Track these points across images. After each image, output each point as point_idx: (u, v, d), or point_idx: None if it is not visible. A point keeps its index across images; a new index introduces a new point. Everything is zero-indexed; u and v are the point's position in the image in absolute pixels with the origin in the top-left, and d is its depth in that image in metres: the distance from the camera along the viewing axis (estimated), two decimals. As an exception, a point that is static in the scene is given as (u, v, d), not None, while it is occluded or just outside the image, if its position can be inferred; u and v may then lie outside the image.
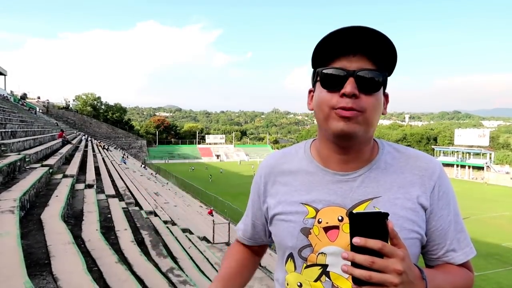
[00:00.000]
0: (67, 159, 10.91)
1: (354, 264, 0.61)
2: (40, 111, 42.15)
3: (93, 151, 19.89)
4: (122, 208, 6.68)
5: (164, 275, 3.90)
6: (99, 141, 40.93)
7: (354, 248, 0.61)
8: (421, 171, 0.86)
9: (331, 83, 0.80)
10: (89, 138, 34.01)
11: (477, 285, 13.74)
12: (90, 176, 8.91)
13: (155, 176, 33.41)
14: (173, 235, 7.00)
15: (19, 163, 5.96)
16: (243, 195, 30.06)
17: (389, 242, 0.62)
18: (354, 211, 0.62)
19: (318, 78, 0.83)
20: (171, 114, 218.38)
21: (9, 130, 9.66)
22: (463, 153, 59.84)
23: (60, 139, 14.90)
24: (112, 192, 8.24)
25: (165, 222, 8.45)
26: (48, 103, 55.92)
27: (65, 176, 7.33)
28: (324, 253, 0.84)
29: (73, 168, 8.74)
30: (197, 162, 71.32)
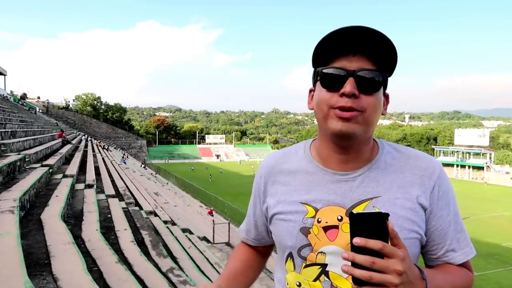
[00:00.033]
0: (67, 159, 10.91)
1: (354, 264, 0.61)
2: (40, 111, 42.15)
3: (93, 151, 19.89)
4: (122, 208, 6.68)
5: (164, 275, 3.90)
6: (99, 141, 40.92)
7: (354, 248, 0.61)
8: (421, 171, 0.86)
9: (331, 83, 0.80)
10: (89, 138, 34.01)
11: (477, 285, 13.74)
12: (90, 176, 8.91)
13: (155, 176, 33.41)
14: (173, 235, 7.00)
15: (19, 163, 5.95)
16: (243, 195, 30.09)
17: (389, 242, 0.62)
18: (354, 212, 0.62)
19: (318, 78, 0.83)
20: (171, 114, 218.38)
21: (9, 130, 9.66)
22: (463, 153, 59.84)
23: (60, 139, 14.90)
24: (112, 192, 8.24)
25: (165, 222, 8.45)
26: (48, 103, 55.92)
27: (65, 176, 7.33)
28: (324, 253, 0.84)
29: (73, 168, 8.74)
30: (197, 162, 71.32)
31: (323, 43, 0.80)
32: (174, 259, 5.13)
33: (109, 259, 3.45)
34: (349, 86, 0.77)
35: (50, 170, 7.06)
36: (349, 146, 0.84)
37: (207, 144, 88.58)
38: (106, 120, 75.46)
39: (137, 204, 8.78)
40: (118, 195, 8.42)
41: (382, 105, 0.84)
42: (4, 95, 31.77)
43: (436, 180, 0.86)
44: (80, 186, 7.26)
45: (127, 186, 11.06)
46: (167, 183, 32.83)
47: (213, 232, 13.27)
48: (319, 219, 0.85)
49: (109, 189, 8.50)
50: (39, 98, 55.37)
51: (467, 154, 59.41)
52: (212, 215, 21.53)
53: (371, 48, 0.78)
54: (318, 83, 0.84)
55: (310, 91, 0.90)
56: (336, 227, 0.84)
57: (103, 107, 79.55)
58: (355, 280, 0.62)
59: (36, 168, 6.61)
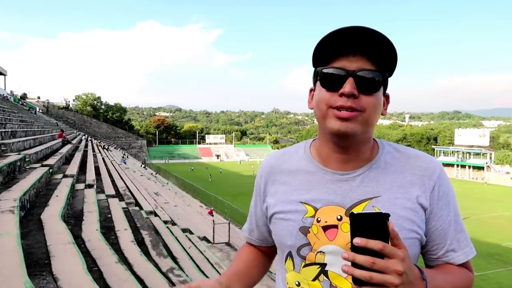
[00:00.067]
0: (67, 159, 10.91)
1: (355, 265, 0.61)
2: (40, 111, 42.16)
3: (93, 151, 19.90)
4: (122, 208, 6.68)
5: (164, 275, 3.90)
6: (99, 141, 40.93)
7: (355, 249, 0.61)
8: (421, 171, 0.86)
9: (331, 83, 0.80)
10: (89, 138, 34.01)
11: (477, 285, 13.74)
12: (90, 176, 8.91)
13: (155, 176, 33.42)
14: (173, 235, 7.00)
15: (19, 163, 5.96)
16: (243, 195, 30.09)
17: (389, 242, 0.62)
18: (355, 212, 0.62)
19: (318, 78, 0.83)
20: (171, 114, 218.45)
21: (9, 130, 9.67)
22: (463, 153, 59.82)
23: (60, 139, 14.90)
24: (112, 192, 8.24)
25: (165, 222, 8.45)
26: (48, 103, 55.93)
27: (65, 176, 7.33)
28: (323, 252, 0.84)
29: (73, 168, 8.74)
30: (197, 162, 71.32)
31: (323, 43, 0.80)
32: (174, 259, 5.13)
33: (109, 259, 3.45)
34: (348, 86, 0.77)
35: (50, 170, 7.07)
36: (349, 146, 0.84)
37: (207, 144, 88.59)
38: (106, 120, 75.47)
39: (137, 204, 8.78)
40: (118, 195, 8.42)
41: (382, 105, 0.84)
42: (4, 95, 31.78)
43: (436, 180, 0.86)
44: (80, 186, 7.26)
45: (127, 186, 11.07)
46: (167, 183, 32.84)
47: (213, 232, 13.28)
48: (319, 219, 0.85)
49: (109, 189, 8.50)
50: (39, 98, 55.38)
51: (467, 154, 59.39)
52: (212, 215, 21.53)
53: (371, 49, 0.78)
54: (318, 83, 0.84)
55: (311, 90, 0.90)
56: (336, 226, 0.84)
57: (103, 107, 79.57)
58: (355, 280, 0.62)
59: (36, 168, 6.61)
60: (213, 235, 13.08)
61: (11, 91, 43.41)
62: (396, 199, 0.83)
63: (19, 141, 8.48)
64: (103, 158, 17.54)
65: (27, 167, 6.53)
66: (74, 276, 2.63)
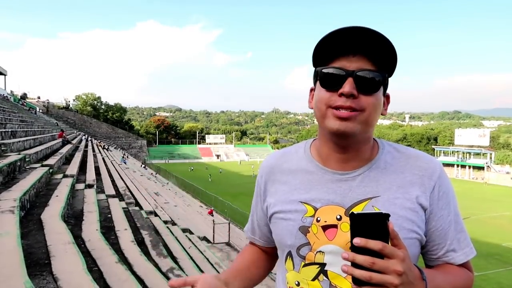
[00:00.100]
0: (67, 159, 10.91)
1: (354, 265, 0.61)
2: (40, 111, 42.16)
3: (93, 151, 19.90)
4: (122, 208, 6.68)
5: (164, 275, 3.90)
6: (99, 141, 40.93)
7: (354, 249, 0.61)
8: (421, 171, 0.86)
9: (330, 83, 0.80)
10: (89, 138, 34.01)
11: (478, 285, 13.73)
12: (90, 176, 8.91)
13: (155, 176, 33.41)
14: (173, 235, 7.00)
15: (19, 163, 5.96)
16: (243, 195, 30.10)
17: (389, 243, 0.62)
18: (355, 212, 0.62)
19: (318, 77, 0.83)
20: (171, 114, 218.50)
21: (9, 130, 9.67)
22: (463, 153, 59.81)
23: (60, 139, 14.90)
24: (112, 192, 8.24)
25: (165, 222, 8.45)
26: (48, 103, 55.92)
27: (65, 176, 7.33)
28: (322, 252, 0.84)
29: (73, 168, 8.74)
30: (197, 162, 71.32)
31: (323, 43, 0.80)
32: (174, 259, 5.13)
33: (109, 259, 3.45)
34: (348, 86, 0.77)
35: (50, 170, 7.07)
36: (348, 146, 0.84)
37: (207, 144, 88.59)
38: (106, 120, 75.47)
39: (137, 204, 8.78)
40: (118, 195, 8.42)
41: (382, 105, 0.84)
42: (4, 95, 31.78)
43: (436, 180, 0.86)
44: (80, 186, 7.26)
45: (127, 186, 11.06)
46: (167, 183, 32.84)
47: (213, 232, 13.28)
48: (318, 218, 0.85)
49: (109, 189, 8.50)
50: (39, 98, 55.38)
51: (468, 154, 59.38)
52: (212, 215, 21.53)
53: (371, 49, 0.78)
54: (317, 83, 0.84)
55: (311, 90, 0.90)
56: (335, 226, 0.84)
57: (103, 107, 79.57)
58: (355, 280, 0.62)
59: (36, 168, 6.61)
60: (213, 235, 13.08)
61: (11, 91, 43.41)
62: (396, 199, 0.83)
63: (19, 141, 8.48)
64: (103, 158, 17.54)
65: (27, 167, 6.53)
66: (74, 276, 2.63)
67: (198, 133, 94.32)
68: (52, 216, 4.12)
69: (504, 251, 19.11)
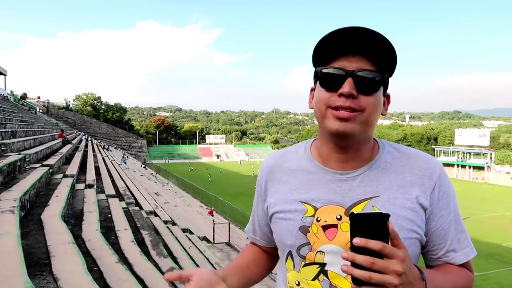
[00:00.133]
0: (67, 159, 10.91)
1: (354, 264, 0.61)
2: (40, 111, 42.16)
3: (93, 151, 19.90)
4: (122, 208, 6.68)
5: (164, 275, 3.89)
6: (99, 141, 40.94)
7: (354, 248, 0.61)
8: (421, 171, 0.86)
9: (330, 83, 0.80)
10: (89, 138, 34.01)
11: (478, 285, 13.73)
12: (90, 176, 8.91)
13: (155, 176, 33.42)
14: (173, 235, 7.00)
15: (19, 163, 5.96)
16: (243, 195, 30.10)
17: (389, 243, 0.62)
18: (355, 212, 0.62)
19: (318, 78, 0.83)
20: (171, 114, 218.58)
21: (9, 130, 9.67)
22: (463, 153, 59.81)
23: (60, 139, 14.90)
24: (112, 192, 8.24)
25: (165, 222, 8.45)
26: (48, 103, 55.92)
27: (65, 176, 7.33)
28: (323, 252, 0.84)
29: (73, 168, 8.74)
30: (197, 162, 71.32)
31: (322, 43, 0.80)
32: (174, 259, 5.12)
33: (109, 259, 3.45)
34: (347, 86, 0.77)
35: (50, 170, 7.07)
36: (348, 146, 0.84)
37: (207, 144, 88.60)
38: (106, 120, 75.48)
39: (137, 204, 8.78)
40: (118, 195, 8.42)
41: (382, 105, 0.84)
42: (4, 95, 31.79)
43: (436, 180, 0.85)
44: (80, 186, 7.26)
45: (127, 186, 11.07)
46: (167, 183, 32.84)
47: (213, 232, 13.28)
48: (318, 218, 0.85)
49: (109, 189, 8.50)
50: (39, 98, 55.38)
51: (468, 154, 59.39)
52: (212, 215, 21.53)
53: (371, 49, 0.78)
54: (317, 83, 0.84)
55: (311, 90, 0.90)
56: (335, 226, 0.84)
57: (103, 107, 79.58)
58: (355, 280, 0.62)
59: (36, 168, 6.61)
60: (213, 235, 13.08)
61: (11, 91, 43.42)
62: (396, 199, 0.83)
63: (19, 141, 8.48)
64: (103, 158, 17.54)
65: (27, 167, 6.53)
66: (74, 276, 2.63)
67: (198, 133, 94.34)
68: (52, 216, 4.12)
69: (504, 251, 19.11)
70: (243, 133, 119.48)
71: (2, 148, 6.57)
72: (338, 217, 0.84)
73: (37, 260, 2.93)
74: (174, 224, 9.57)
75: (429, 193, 0.84)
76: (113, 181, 10.87)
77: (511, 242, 20.51)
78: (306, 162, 0.93)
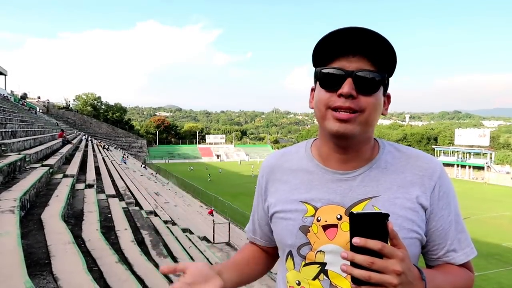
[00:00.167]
0: (67, 159, 10.92)
1: (354, 264, 0.61)
2: (40, 111, 42.16)
3: (93, 151, 19.90)
4: (122, 208, 6.68)
5: (164, 275, 3.90)
6: (99, 141, 40.94)
7: (354, 248, 0.61)
8: (421, 171, 0.86)
9: (330, 83, 0.80)
10: (89, 138, 34.02)
11: (478, 285, 13.73)
12: (90, 176, 8.91)
13: (155, 176, 33.42)
14: (173, 235, 7.00)
15: (19, 163, 5.96)
16: (243, 195, 30.10)
17: (389, 242, 0.62)
18: (354, 211, 0.62)
19: (318, 78, 0.84)
20: (171, 114, 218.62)
21: (9, 130, 9.67)
22: (463, 153, 59.80)
23: (60, 139, 14.90)
24: (112, 192, 8.24)
25: (165, 222, 8.46)
26: (48, 103, 55.93)
27: (65, 176, 7.33)
28: (323, 251, 0.84)
29: (73, 168, 8.74)
30: (197, 162, 71.32)
31: (322, 43, 0.80)
32: (174, 259, 5.13)
33: (109, 259, 3.45)
34: (346, 86, 0.77)
35: (51, 170, 7.07)
36: (348, 146, 0.85)
37: (207, 144, 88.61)
38: (106, 120, 75.50)
39: (137, 204, 8.78)
40: (119, 195, 8.42)
41: (382, 105, 0.83)
42: (5, 95, 31.79)
43: (436, 180, 0.85)
44: (80, 186, 7.27)
45: (127, 186, 11.07)
46: (167, 183, 32.84)
47: (213, 232, 13.28)
48: (319, 218, 0.85)
49: (110, 189, 8.50)
50: (39, 98, 55.39)
51: (468, 154, 59.37)
52: (212, 215, 21.53)
53: (371, 49, 0.78)
54: (317, 83, 0.84)
55: (312, 90, 0.90)
56: (335, 226, 0.84)
57: (103, 107, 79.61)
58: (354, 279, 0.62)
59: (36, 168, 6.61)
60: (213, 235, 13.08)
61: (12, 91, 43.44)
62: (396, 199, 0.83)
63: (19, 141, 8.48)
64: (103, 158, 17.54)
65: (27, 167, 6.53)
66: (74, 276, 2.63)
67: (198, 133, 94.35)
68: (52, 216, 4.12)
69: (504, 251, 19.11)
70: (243, 133, 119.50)
71: (2, 148, 6.57)
72: (338, 217, 0.84)
73: (37, 260, 2.93)
74: (174, 224, 9.58)
75: (429, 193, 0.84)
76: (113, 181, 10.88)
77: (511, 242, 20.51)
78: (306, 162, 0.93)
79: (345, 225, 0.83)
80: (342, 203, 0.85)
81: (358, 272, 0.60)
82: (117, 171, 15.05)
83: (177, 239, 6.82)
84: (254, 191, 1.07)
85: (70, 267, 2.78)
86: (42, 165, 7.09)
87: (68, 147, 13.69)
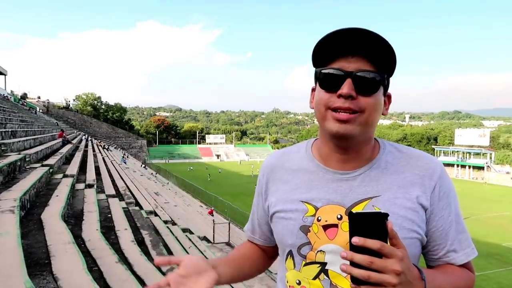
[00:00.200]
0: (67, 159, 10.91)
1: (353, 264, 0.61)
2: (40, 110, 42.15)
3: (93, 151, 19.90)
4: (122, 208, 6.68)
5: (165, 275, 3.90)
6: (99, 141, 40.94)
7: (353, 248, 0.61)
8: (421, 171, 0.86)
9: (329, 84, 0.80)
10: (89, 138, 34.01)
11: (478, 285, 13.68)
12: (90, 176, 8.91)
13: (155, 176, 33.42)
14: (173, 235, 7.00)
15: (19, 163, 5.96)
16: (243, 195, 30.11)
17: (388, 242, 0.62)
18: (354, 211, 0.62)
19: (317, 78, 0.84)
20: (171, 114, 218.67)
21: (10, 130, 9.67)
22: (463, 153, 59.82)
23: (60, 139, 14.90)
24: (112, 192, 8.24)
25: (165, 222, 8.45)
26: (48, 103, 55.92)
27: (65, 176, 7.33)
28: (323, 251, 0.84)
29: (73, 168, 8.74)
30: (197, 162, 71.33)
31: (322, 44, 0.80)
32: (174, 259, 5.11)
33: (109, 259, 3.45)
34: (346, 87, 0.77)
35: (51, 170, 7.06)
36: (348, 146, 0.85)
37: (207, 144, 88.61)
38: (107, 120, 75.51)
39: (137, 204, 8.78)
40: (119, 195, 8.42)
41: (382, 105, 0.83)
42: (5, 95, 31.79)
43: (437, 180, 0.85)
44: (80, 186, 7.26)
45: (127, 186, 11.07)
46: (168, 183, 32.84)
47: (213, 232, 13.28)
48: (319, 218, 0.85)
49: (110, 189, 8.50)
50: (39, 98, 55.39)
51: (468, 154, 59.39)
52: (213, 215, 21.53)
53: (370, 50, 0.78)
54: (317, 84, 0.84)
55: (312, 90, 0.90)
56: (336, 226, 0.84)
57: (103, 107, 79.63)
58: (354, 279, 0.62)
59: (36, 168, 6.61)
60: (213, 235, 13.08)
61: (12, 91, 43.44)
62: (396, 199, 0.83)
63: (19, 141, 8.48)
64: (103, 158, 17.54)
65: (27, 167, 6.53)
66: (74, 276, 2.63)
67: (198, 133, 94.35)
68: (52, 216, 4.12)
69: (504, 251, 19.12)
70: (243, 133, 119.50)
71: (2, 148, 6.57)
72: (339, 216, 0.84)
73: (37, 260, 2.93)
74: (174, 224, 9.57)
75: (429, 193, 0.84)
76: (113, 181, 10.87)
77: (511, 242, 20.52)
78: (307, 161, 0.93)
79: (345, 225, 0.83)
80: (343, 203, 0.85)
81: (358, 272, 0.61)
82: (117, 171, 15.05)
83: (177, 239, 6.81)
84: (254, 191, 1.07)
85: (70, 267, 2.78)
86: (42, 165, 7.09)
87: (68, 147, 13.69)
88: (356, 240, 0.61)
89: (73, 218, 5.00)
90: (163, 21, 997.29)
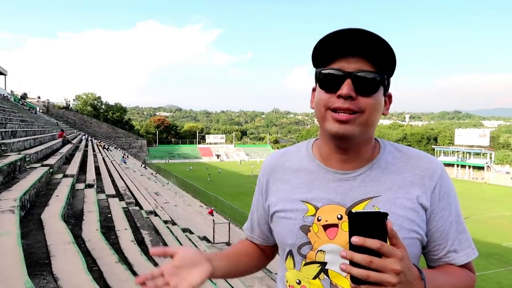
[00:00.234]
0: (67, 159, 10.91)
1: (353, 263, 0.61)
2: (40, 110, 42.15)
3: (93, 150, 19.90)
4: (122, 207, 6.68)
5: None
6: (99, 140, 40.95)
7: (353, 247, 0.61)
8: (421, 171, 0.86)
9: (329, 84, 0.80)
10: (89, 138, 34.01)
11: (478, 285, 13.58)
12: (90, 176, 8.91)
13: (155, 176, 33.42)
14: (173, 235, 6.99)
15: (19, 163, 5.96)
16: (243, 195, 30.12)
17: (388, 242, 0.62)
18: (353, 211, 0.63)
19: (317, 79, 0.84)
20: (171, 114, 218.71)
21: (10, 129, 9.67)
22: (463, 153, 59.83)
23: (60, 139, 14.90)
24: (112, 192, 8.24)
25: (165, 222, 8.45)
26: (48, 102, 55.91)
27: (65, 176, 7.33)
28: (323, 251, 0.84)
29: (73, 168, 8.74)
30: (197, 162, 71.34)
31: (321, 44, 0.80)
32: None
33: (109, 258, 3.45)
34: (346, 87, 0.77)
35: (51, 170, 7.06)
36: (348, 147, 0.85)
37: (207, 144, 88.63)
38: (107, 120, 75.52)
39: (137, 204, 8.78)
40: (119, 195, 8.42)
41: (383, 105, 0.83)
42: (5, 95, 31.80)
43: (437, 181, 0.85)
44: (80, 186, 7.26)
45: (127, 186, 11.07)
46: (168, 183, 32.85)
47: (213, 232, 13.28)
48: (319, 218, 0.86)
49: (110, 189, 8.50)
50: (39, 98, 55.39)
51: (468, 154, 59.40)
52: (213, 215, 21.53)
53: (369, 50, 0.78)
54: (317, 84, 0.84)
55: (313, 90, 0.90)
56: (336, 225, 0.84)
57: (103, 107, 79.64)
58: (353, 278, 0.62)
59: (36, 167, 6.61)
60: (213, 235, 13.08)
61: (12, 91, 43.45)
62: (396, 199, 0.83)
63: (20, 141, 8.48)
64: (103, 158, 17.54)
65: (27, 167, 6.53)
66: (74, 276, 2.63)
67: (198, 133, 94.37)
68: (52, 216, 4.12)
69: (504, 251, 19.12)
70: (243, 133, 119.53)
71: (2, 148, 6.57)
72: (339, 216, 0.84)
73: (37, 260, 2.93)
74: (174, 224, 9.57)
75: (429, 193, 0.84)
76: (113, 181, 10.88)
77: (511, 242, 20.52)
78: (307, 161, 0.93)
79: (345, 225, 0.83)
80: (343, 203, 0.85)
81: (357, 271, 0.61)
82: (117, 171, 15.05)
83: (177, 239, 6.81)
84: (254, 191, 1.07)
85: (70, 267, 2.78)
86: (42, 165, 7.09)
87: (68, 147, 13.69)
88: (356, 239, 0.61)
89: (73, 218, 5.00)
90: (163, 21, 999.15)
